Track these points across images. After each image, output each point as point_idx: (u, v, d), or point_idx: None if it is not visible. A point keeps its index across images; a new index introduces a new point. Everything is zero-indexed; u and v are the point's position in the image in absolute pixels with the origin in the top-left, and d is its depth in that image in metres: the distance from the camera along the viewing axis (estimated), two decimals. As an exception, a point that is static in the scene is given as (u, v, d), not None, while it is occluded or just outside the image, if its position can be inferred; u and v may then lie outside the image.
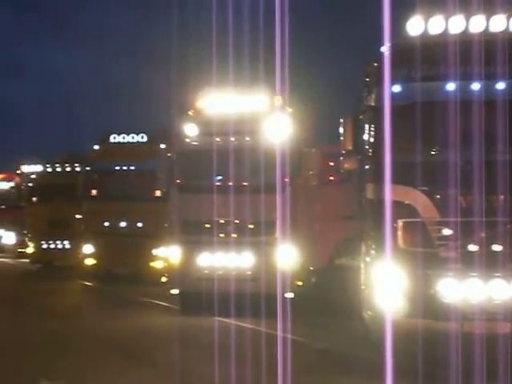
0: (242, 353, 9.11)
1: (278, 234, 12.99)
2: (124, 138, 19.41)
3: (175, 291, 13.99)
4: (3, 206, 30.88)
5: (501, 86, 8.99)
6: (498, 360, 7.76)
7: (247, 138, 13.63)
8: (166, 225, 14.82)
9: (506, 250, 8.54)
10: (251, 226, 13.35)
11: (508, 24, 9.12)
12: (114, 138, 19.43)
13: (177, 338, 10.31)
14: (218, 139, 13.63)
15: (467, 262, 8.62)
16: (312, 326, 12.11)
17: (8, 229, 29.94)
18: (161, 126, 18.76)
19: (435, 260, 8.77)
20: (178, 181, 14.42)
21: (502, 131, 8.53)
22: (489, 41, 8.78)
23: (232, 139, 13.48)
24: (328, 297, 14.24)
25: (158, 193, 18.50)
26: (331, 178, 16.62)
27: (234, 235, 13.43)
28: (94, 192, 19.80)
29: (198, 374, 8.57)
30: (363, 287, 10.53)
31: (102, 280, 19.22)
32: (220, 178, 13.74)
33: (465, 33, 9.05)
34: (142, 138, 19.35)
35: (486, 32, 9.04)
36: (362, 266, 10.98)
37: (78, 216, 20.64)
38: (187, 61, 17.56)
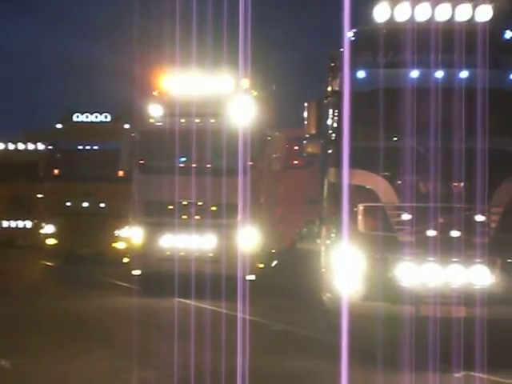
0: (202, 333, 9.17)
1: (239, 216, 13.03)
2: (87, 117, 19.21)
3: (137, 272, 13.99)
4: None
5: (463, 74, 9.12)
6: (451, 343, 7.94)
7: (211, 120, 13.59)
8: (129, 205, 14.75)
9: (463, 236, 8.70)
10: (213, 208, 13.37)
11: (473, 13, 9.24)
12: (77, 117, 19.22)
13: (137, 318, 10.29)
14: (182, 120, 13.59)
15: (425, 247, 8.75)
16: (272, 307, 12.22)
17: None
18: (125, 104, 18.57)
19: (393, 244, 8.89)
20: (140, 161, 14.35)
21: (461, 119, 8.68)
22: (453, 30, 8.87)
23: (196, 121, 13.42)
24: (289, 279, 14.36)
25: (121, 173, 18.34)
26: (296, 161, 16.71)
27: (197, 217, 13.44)
28: (56, 171, 19.58)
29: (157, 354, 8.62)
30: (323, 270, 10.64)
31: (63, 260, 19.08)
32: (183, 159, 13.72)
33: (430, 21, 9.13)
34: (106, 117, 19.16)
35: (451, 21, 9.15)
36: (323, 248, 11.09)
37: (39, 195, 20.43)
38: (151, 39, 17.39)
